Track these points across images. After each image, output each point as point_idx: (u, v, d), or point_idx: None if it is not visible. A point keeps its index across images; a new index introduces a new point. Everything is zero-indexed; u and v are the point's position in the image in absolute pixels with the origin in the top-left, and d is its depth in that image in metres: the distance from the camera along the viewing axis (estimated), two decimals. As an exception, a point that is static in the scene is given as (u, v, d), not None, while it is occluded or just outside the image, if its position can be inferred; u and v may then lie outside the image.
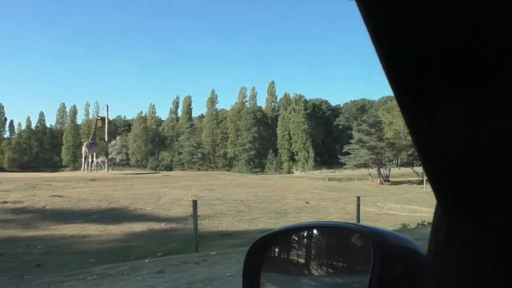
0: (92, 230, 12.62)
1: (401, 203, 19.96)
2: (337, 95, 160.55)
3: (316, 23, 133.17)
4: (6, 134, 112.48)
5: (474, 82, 0.34)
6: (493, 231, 0.43)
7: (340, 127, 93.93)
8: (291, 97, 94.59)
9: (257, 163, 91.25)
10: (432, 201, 0.47)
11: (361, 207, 17.17)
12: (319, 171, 75.85)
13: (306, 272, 0.85)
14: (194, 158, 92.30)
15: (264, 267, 0.88)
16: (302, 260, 0.87)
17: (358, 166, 49.55)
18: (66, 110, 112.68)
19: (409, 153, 40.52)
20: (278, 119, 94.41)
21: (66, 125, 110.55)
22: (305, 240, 0.89)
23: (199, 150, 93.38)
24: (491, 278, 0.43)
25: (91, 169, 40.44)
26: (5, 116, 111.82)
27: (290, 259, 0.91)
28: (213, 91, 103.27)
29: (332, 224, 0.87)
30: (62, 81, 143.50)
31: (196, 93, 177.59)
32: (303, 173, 72.89)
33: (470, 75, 0.33)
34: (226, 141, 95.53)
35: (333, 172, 66.62)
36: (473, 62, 0.32)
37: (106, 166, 44.18)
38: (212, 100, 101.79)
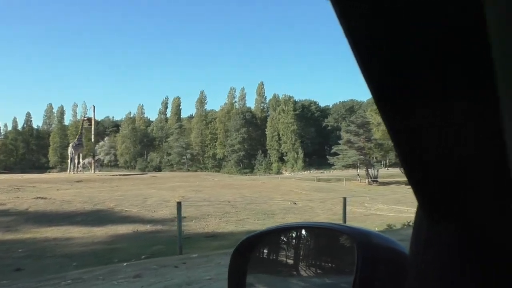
0: (76, 232, 12.42)
1: (389, 204, 20.05)
2: (326, 96, 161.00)
3: (305, 24, 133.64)
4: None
5: (453, 86, 0.34)
6: (473, 231, 0.44)
7: (329, 127, 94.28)
8: (280, 98, 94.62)
9: (247, 164, 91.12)
10: (419, 201, 0.46)
11: (349, 207, 17.19)
12: (308, 171, 75.96)
13: (293, 272, 0.85)
14: (183, 159, 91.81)
15: (250, 268, 0.88)
16: (288, 261, 0.87)
17: (347, 166, 49.75)
18: (53, 110, 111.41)
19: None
20: (267, 119, 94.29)
21: (53, 126, 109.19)
22: (291, 240, 0.89)
23: (188, 151, 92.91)
24: (471, 278, 0.44)
25: (77, 171, 39.97)
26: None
27: (276, 260, 0.91)
28: (202, 92, 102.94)
29: (317, 225, 0.88)
30: (50, 81, 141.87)
31: (185, 93, 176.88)
32: (292, 173, 72.92)
33: (450, 78, 0.33)
34: (215, 142, 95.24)
35: (322, 172, 66.78)
36: (453, 66, 0.32)
37: (92, 167, 43.71)
38: (201, 101, 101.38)
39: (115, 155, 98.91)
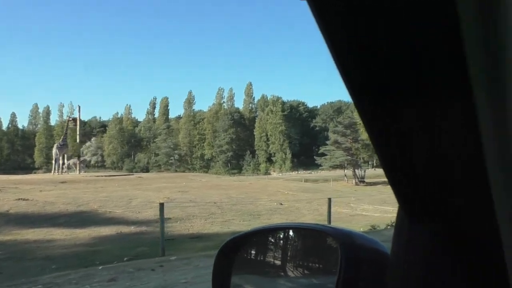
0: (58, 234, 12.25)
1: (374, 204, 20.15)
2: (314, 96, 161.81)
3: (293, 25, 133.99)
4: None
5: (430, 88, 0.34)
6: (453, 231, 0.44)
7: (317, 128, 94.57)
8: (268, 99, 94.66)
9: (235, 165, 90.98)
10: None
11: (335, 208, 17.27)
12: (296, 172, 76.12)
13: (278, 273, 0.86)
14: (171, 159, 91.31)
15: (235, 269, 0.89)
16: (273, 261, 0.88)
17: (334, 167, 49.89)
18: (39, 110, 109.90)
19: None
20: (256, 120, 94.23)
21: (39, 126, 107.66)
22: (276, 241, 0.90)
23: (176, 151, 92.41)
24: (453, 277, 0.44)
25: (62, 172, 39.43)
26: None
27: (260, 260, 0.91)
28: (190, 92, 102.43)
29: (302, 226, 0.88)
30: (35, 81, 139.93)
31: (173, 94, 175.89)
32: (280, 174, 73.01)
33: (427, 80, 0.33)
34: (204, 143, 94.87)
35: (309, 173, 66.97)
36: (429, 67, 0.32)
37: (78, 168, 43.17)
38: (190, 101, 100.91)
39: (102, 155, 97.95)
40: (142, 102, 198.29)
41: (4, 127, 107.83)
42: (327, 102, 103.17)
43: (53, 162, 40.44)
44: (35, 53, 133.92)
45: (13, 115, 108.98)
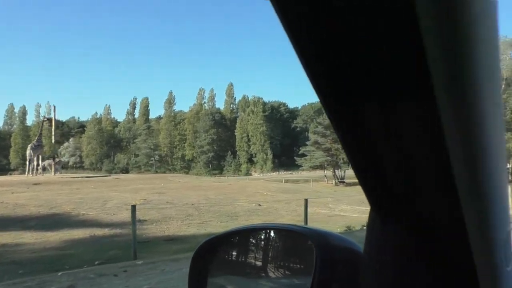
0: (28, 238, 11.85)
1: (353, 205, 20.22)
2: (295, 97, 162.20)
3: (274, 25, 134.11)
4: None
5: (394, 90, 0.34)
6: (422, 231, 0.45)
7: (298, 129, 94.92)
8: (249, 99, 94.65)
9: (216, 165, 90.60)
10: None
11: (313, 209, 17.24)
12: (277, 172, 76.27)
13: (255, 273, 0.86)
14: (151, 160, 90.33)
15: (211, 270, 0.89)
16: (250, 261, 0.87)
17: (314, 167, 50.10)
18: (15, 111, 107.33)
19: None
20: (237, 121, 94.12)
21: (14, 126, 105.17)
22: (252, 241, 0.90)
23: (156, 152, 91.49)
24: (422, 276, 0.45)
25: (36, 173, 38.48)
26: None
27: (237, 261, 0.91)
28: (170, 93, 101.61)
29: (277, 226, 0.87)
30: (11, 80, 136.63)
31: (154, 94, 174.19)
32: (261, 175, 73.01)
33: (391, 81, 0.34)
34: (184, 143, 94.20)
35: (290, 173, 67.18)
36: (392, 69, 0.33)
37: (53, 169, 42.21)
38: (170, 102, 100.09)
39: (80, 156, 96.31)
40: (122, 103, 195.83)
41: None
42: (308, 103, 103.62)
43: (27, 163, 39.43)
44: (10, 52, 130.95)
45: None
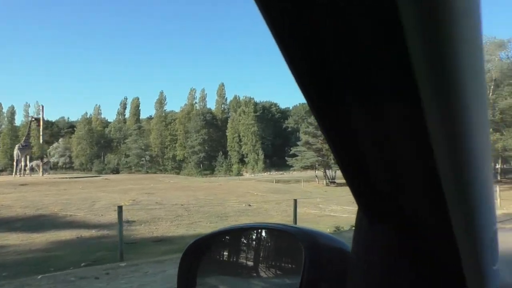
0: (13, 239, 11.64)
1: (343, 205, 20.20)
2: (287, 97, 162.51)
3: (265, 25, 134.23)
4: None
5: (381, 91, 0.34)
6: (409, 231, 0.45)
7: (289, 129, 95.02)
8: (241, 99, 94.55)
9: (207, 166, 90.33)
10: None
11: (304, 209, 17.19)
12: (269, 173, 76.27)
13: (244, 272, 0.86)
14: (142, 160, 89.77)
15: (200, 270, 0.89)
16: (239, 261, 0.88)
17: (305, 168, 50.15)
18: (4, 110, 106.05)
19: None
20: (228, 121, 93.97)
21: (3, 126, 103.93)
22: (241, 241, 0.90)
23: (147, 152, 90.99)
24: (409, 276, 0.45)
25: (24, 174, 38.00)
26: None
27: (227, 261, 0.91)
28: (161, 93, 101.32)
29: (267, 226, 0.87)
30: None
31: (144, 94, 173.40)
32: (253, 175, 72.95)
33: (377, 82, 0.33)
34: (175, 143, 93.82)
35: (281, 174, 67.23)
36: (378, 69, 0.32)
37: (41, 170, 41.75)
38: (161, 102, 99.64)
39: (70, 157, 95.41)
40: (112, 103, 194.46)
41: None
42: (299, 103, 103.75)
43: (15, 164, 38.94)
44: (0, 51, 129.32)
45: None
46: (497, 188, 22.27)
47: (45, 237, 12.05)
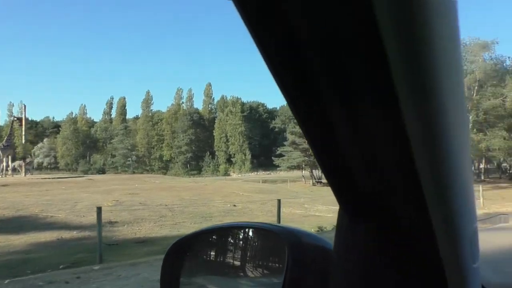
0: (-9, 241, 11.37)
1: (328, 205, 20.20)
2: (274, 97, 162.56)
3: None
4: None
5: (360, 92, 0.34)
6: (390, 230, 0.45)
7: (277, 129, 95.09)
8: (228, 99, 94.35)
9: (194, 166, 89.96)
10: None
11: (289, 209, 17.16)
12: (256, 173, 76.24)
13: (228, 271, 0.85)
14: (129, 161, 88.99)
15: (184, 270, 0.88)
16: (223, 260, 0.87)
17: (292, 168, 50.24)
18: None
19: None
20: (215, 121, 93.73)
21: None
22: (224, 240, 0.89)
23: (133, 152, 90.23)
24: (390, 274, 0.45)
25: (5, 174, 37.36)
26: None
27: (209, 260, 0.90)
28: (148, 92, 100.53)
29: (250, 225, 0.86)
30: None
31: (131, 94, 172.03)
32: (240, 175, 72.86)
33: (355, 84, 0.33)
34: (162, 144, 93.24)
35: (268, 174, 67.29)
36: (353, 67, 0.32)
37: (23, 170, 41.01)
38: (147, 101, 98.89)
39: (55, 157, 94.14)
40: (98, 102, 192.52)
41: None
42: (286, 104, 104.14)
43: (-5, 164, 38.31)
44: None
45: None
46: (480, 187, 22.57)
47: (24, 238, 11.82)
